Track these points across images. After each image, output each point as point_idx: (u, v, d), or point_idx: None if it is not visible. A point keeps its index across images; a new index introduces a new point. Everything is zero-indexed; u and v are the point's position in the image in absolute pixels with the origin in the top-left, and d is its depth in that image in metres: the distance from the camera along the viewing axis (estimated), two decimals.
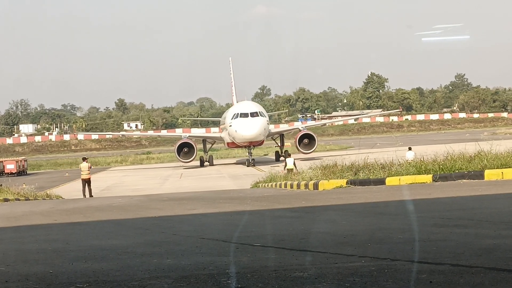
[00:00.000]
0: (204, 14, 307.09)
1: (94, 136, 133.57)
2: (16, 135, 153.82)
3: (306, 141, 57.11)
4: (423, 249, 8.97)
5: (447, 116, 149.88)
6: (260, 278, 7.73)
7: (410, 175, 20.67)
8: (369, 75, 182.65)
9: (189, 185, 38.06)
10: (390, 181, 20.65)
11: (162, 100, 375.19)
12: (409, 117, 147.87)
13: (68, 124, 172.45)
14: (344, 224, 12.51)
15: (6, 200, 27.32)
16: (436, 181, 19.66)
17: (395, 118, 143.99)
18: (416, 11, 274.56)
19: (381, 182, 20.82)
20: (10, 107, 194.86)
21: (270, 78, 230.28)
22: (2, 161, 66.08)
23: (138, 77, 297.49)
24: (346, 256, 8.86)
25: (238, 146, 58.88)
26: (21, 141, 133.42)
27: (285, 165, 35.97)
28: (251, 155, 55.34)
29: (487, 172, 19.23)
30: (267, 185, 28.91)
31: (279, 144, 62.75)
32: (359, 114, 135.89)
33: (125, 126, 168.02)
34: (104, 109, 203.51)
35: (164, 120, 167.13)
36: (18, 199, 28.34)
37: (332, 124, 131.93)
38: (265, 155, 73.75)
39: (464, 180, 19.17)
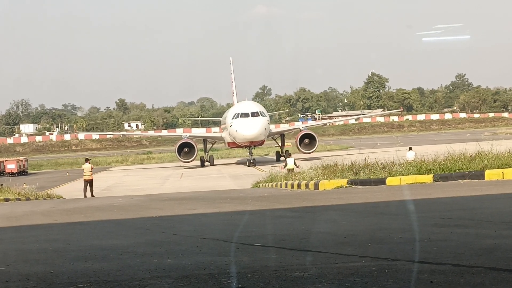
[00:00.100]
0: (204, 14, 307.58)
1: (95, 136, 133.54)
2: (16, 135, 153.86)
3: (306, 141, 57.10)
4: (424, 249, 8.97)
5: (448, 116, 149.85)
6: (261, 278, 7.73)
7: (410, 175, 20.67)
8: (370, 75, 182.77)
9: (189, 185, 38.05)
10: (390, 181, 20.65)
11: (163, 100, 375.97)
12: (409, 117, 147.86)
13: (68, 124, 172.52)
14: (344, 224, 12.51)
15: (6, 200, 27.32)
16: (436, 181, 19.65)
17: (395, 118, 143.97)
18: (417, 11, 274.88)
19: (382, 182, 20.82)
20: (11, 107, 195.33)
21: (271, 78, 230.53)
22: (3, 161, 66.08)
23: (138, 77, 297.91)
24: (347, 256, 8.86)
25: (238, 146, 58.87)
26: (22, 141, 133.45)
27: (285, 165, 36.02)
28: (251, 155, 55.32)
29: (487, 172, 19.23)
30: (268, 185, 28.91)
31: (280, 144, 62.71)
32: (360, 114, 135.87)
33: (126, 126, 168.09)
34: (105, 109, 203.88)
35: (165, 120, 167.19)
36: (19, 199, 28.34)
37: (332, 124, 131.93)
38: (265, 155, 73.75)
39: (465, 180, 19.17)
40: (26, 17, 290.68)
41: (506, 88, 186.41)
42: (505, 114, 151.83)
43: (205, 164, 60.45)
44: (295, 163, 35.43)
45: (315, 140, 57.37)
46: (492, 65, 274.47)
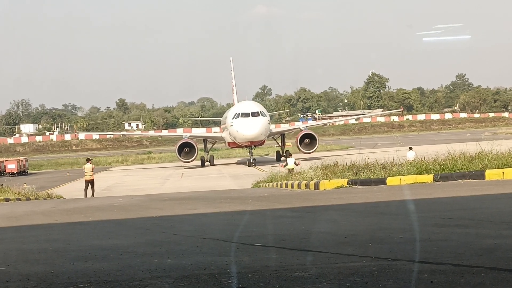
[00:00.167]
0: (204, 14, 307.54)
1: (95, 136, 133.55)
2: (17, 135, 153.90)
3: (307, 141, 57.10)
4: (424, 249, 8.97)
5: (448, 116, 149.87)
6: (261, 278, 7.73)
7: (411, 175, 20.67)
8: (370, 75, 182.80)
9: (189, 185, 38.06)
10: (391, 181, 20.65)
11: (163, 100, 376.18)
12: (410, 117, 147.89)
13: (69, 124, 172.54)
14: (345, 224, 12.51)
15: (7, 200, 27.32)
16: (437, 181, 19.65)
17: (396, 118, 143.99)
18: (417, 11, 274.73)
19: (382, 182, 20.82)
20: (11, 107, 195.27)
21: (271, 78, 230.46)
22: (3, 161, 66.10)
23: (139, 77, 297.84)
24: (347, 256, 8.86)
25: (239, 146, 58.87)
26: (22, 141, 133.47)
27: (286, 164, 36.09)
28: (252, 155, 55.32)
29: (488, 172, 19.23)
30: (268, 185, 28.91)
31: (280, 144, 62.71)
32: (360, 114, 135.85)
33: (126, 126, 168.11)
34: (105, 109, 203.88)
35: (165, 120, 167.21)
36: (19, 199, 28.34)
37: (333, 124, 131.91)
38: (266, 155, 73.76)
39: (465, 180, 19.17)
40: (26, 17, 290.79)
41: (506, 88, 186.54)
42: (505, 114, 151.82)
43: (205, 164, 60.45)
44: (295, 162, 35.52)
45: (316, 140, 57.37)
46: (492, 65, 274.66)
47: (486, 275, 7.28)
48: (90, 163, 34.04)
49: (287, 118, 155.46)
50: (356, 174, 22.61)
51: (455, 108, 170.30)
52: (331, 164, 25.97)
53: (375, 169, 22.45)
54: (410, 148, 34.52)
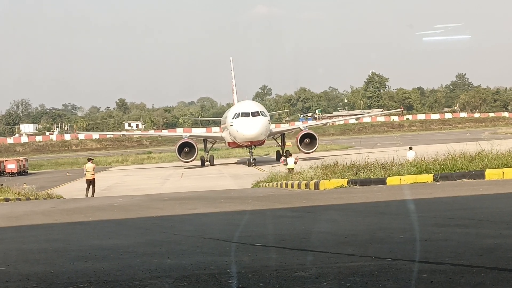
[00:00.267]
0: (204, 14, 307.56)
1: (95, 136, 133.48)
2: (17, 134, 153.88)
3: (307, 140, 57.10)
4: (424, 249, 8.97)
5: (448, 115, 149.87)
6: (261, 277, 7.73)
7: (411, 174, 20.67)
8: (370, 74, 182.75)
9: (190, 185, 38.06)
10: (391, 180, 20.65)
11: (163, 99, 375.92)
12: (410, 116, 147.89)
13: (69, 124, 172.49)
14: (345, 224, 12.52)
15: (7, 199, 27.32)
16: (437, 181, 19.65)
17: (396, 118, 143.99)
18: (417, 11, 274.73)
19: (382, 181, 20.82)
20: (11, 106, 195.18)
21: (271, 77, 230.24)
22: (3, 161, 66.09)
23: (138, 77, 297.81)
24: (347, 256, 8.86)
25: (239, 146, 58.86)
26: (22, 141, 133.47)
27: (286, 163, 36.20)
28: (252, 155, 55.34)
29: (488, 172, 19.23)
30: (268, 185, 28.91)
31: (280, 144, 62.71)
32: (360, 114, 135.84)
33: (126, 126, 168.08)
34: (105, 109, 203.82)
35: (165, 119, 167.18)
36: (19, 199, 28.34)
37: (333, 123, 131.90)
38: (266, 154, 73.76)
39: (465, 180, 19.17)
40: (26, 17, 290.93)
41: (506, 88, 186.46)
42: (505, 114, 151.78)
43: (205, 164, 60.44)
44: (294, 161, 35.63)
45: (316, 139, 57.37)
46: (492, 64, 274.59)
47: (486, 274, 7.28)
48: (91, 163, 34.17)
49: (287, 118, 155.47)
50: (356, 174, 22.61)
51: (455, 108, 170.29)
52: (331, 164, 25.97)
53: (375, 169, 22.45)
54: (410, 148, 34.54)
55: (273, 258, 9.11)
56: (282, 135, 64.00)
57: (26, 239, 13.02)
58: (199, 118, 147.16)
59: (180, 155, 57.93)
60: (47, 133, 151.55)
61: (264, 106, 66.98)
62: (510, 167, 19.29)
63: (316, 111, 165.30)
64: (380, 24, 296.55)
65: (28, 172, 67.20)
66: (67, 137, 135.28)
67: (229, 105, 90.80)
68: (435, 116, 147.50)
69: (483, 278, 7.12)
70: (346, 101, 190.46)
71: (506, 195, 15.63)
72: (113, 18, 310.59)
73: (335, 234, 11.17)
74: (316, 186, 22.24)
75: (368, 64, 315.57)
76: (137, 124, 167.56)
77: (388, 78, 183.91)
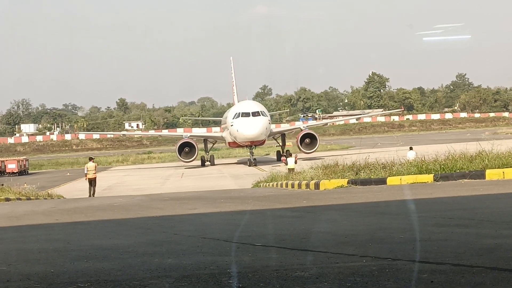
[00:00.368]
0: (204, 14, 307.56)
1: (95, 135, 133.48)
2: (17, 134, 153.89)
3: (307, 140, 57.07)
4: (424, 249, 8.97)
5: (448, 115, 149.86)
6: (261, 277, 7.74)
7: (411, 174, 20.67)
8: (370, 74, 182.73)
9: (190, 185, 38.05)
10: (391, 180, 20.64)
11: (163, 99, 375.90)
12: (410, 116, 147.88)
13: (69, 124, 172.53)
14: (345, 224, 12.52)
15: (7, 199, 27.34)
16: (437, 181, 19.65)
17: (396, 118, 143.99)
18: (417, 10, 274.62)
19: (382, 181, 20.82)
20: (12, 106, 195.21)
21: (271, 77, 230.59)
22: (3, 161, 66.09)
23: (139, 77, 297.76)
24: (347, 256, 8.86)
25: (239, 146, 58.83)
26: (23, 141, 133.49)
27: (287, 163, 36.24)
28: (252, 155, 55.32)
29: (488, 172, 19.22)
30: (268, 185, 28.91)
31: (281, 144, 62.69)
32: (360, 114, 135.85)
33: (126, 125, 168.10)
34: (105, 108, 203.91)
35: (165, 119, 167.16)
36: (20, 199, 28.35)
37: (333, 123, 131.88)
38: (266, 154, 73.74)
39: (465, 180, 19.17)
40: (26, 17, 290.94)
41: (506, 88, 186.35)
42: (506, 114, 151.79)
43: (205, 164, 60.42)
44: (295, 160, 35.68)
45: (316, 139, 57.33)
46: (493, 65, 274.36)
47: (486, 275, 7.28)
48: (93, 162, 34.34)
49: (287, 118, 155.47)
50: (357, 174, 22.60)
51: (456, 108, 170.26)
52: (331, 164, 25.97)
53: (375, 169, 22.45)
54: (411, 148, 34.53)
55: (273, 258, 9.11)
56: (283, 135, 63.99)
57: (27, 239, 13.03)
58: (200, 118, 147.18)
59: (180, 155, 57.91)
60: (47, 133, 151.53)
61: (265, 106, 66.96)
62: (511, 167, 19.29)
63: (317, 111, 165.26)
64: (380, 24, 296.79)
65: (29, 172, 67.20)
66: (68, 137, 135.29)
67: (230, 105, 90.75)
68: (436, 116, 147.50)
69: (483, 278, 7.13)
70: (346, 101, 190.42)
71: (506, 195, 15.63)
72: (113, 18, 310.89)
73: (335, 234, 11.17)
74: (317, 186, 22.25)
75: (369, 64, 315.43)
76: (137, 124, 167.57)
77: (389, 78, 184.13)
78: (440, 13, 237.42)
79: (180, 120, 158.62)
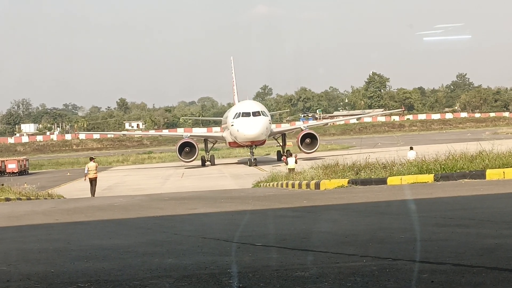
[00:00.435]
0: (205, 14, 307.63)
1: (96, 135, 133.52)
2: (17, 134, 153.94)
3: (308, 140, 57.07)
4: (425, 249, 8.97)
5: (449, 115, 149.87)
6: (262, 277, 7.73)
7: (411, 174, 20.67)
8: (371, 74, 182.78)
9: (190, 185, 38.06)
10: (391, 180, 20.64)
11: (164, 99, 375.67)
12: (410, 116, 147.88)
13: (69, 124, 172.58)
14: (345, 224, 12.51)
15: (7, 199, 27.34)
16: (437, 181, 19.65)
17: (396, 118, 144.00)
18: (417, 10, 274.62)
19: (383, 181, 20.82)
20: (12, 106, 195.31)
21: (272, 77, 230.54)
22: (3, 161, 66.11)
23: (139, 76, 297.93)
24: (348, 256, 8.86)
25: (240, 146, 58.82)
26: (23, 141, 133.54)
27: (286, 163, 36.27)
28: (253, 155, 55.32)
29: (488, 172, 19.22)
30: (269, 185, 28.91)
31: (281, 144, 62.69)
32: (361, 114, 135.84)
33: (127, 125, 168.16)
34: (106, 108, 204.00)
35: (166, 119, 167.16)
36: (20, 199, 28.36)
37: (333, 123, 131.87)
38: (266, 154, 73.74)
39: (466, 180, 19.17)
40: (26, 17, 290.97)
41: (507, 88, 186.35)
42: (506, 114, 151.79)
43: (206, 163, 60.41)
44: (295, 161, 35.70)
45: (317, 139, 57.33)
46: (493, 64, 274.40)
47: (487, 275, 7.27)
48: (94, 162, 34.40)
49: (287, 118, 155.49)
50: (357, 174, 22.61)
51: (456, 108, 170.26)
52: (331, 163, 25.97)
53: (375, 169, 22.45)
54: (411, 148, 34.52)
55: (273, 258, 9.11)
56: (283, 135, 63.98)
57: (27, 239, 13.03)
58: (200, 118, 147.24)
59: (180, 155, 57.91)
60: (47, 133, 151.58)
61: (265, 106, 66.94)
62: (511, 167, 19.29)
63: (317, 111, 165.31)
64: (381, 24, 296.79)
65: (29, 172, 67.24)
66: (68, 137, 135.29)
67: (230, 105, 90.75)
68: (436, 116, 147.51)
69: (484, 278, 7.12)
70: (346, 101, 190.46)
71: (506, 195, 15.63)
72: (113, 18, 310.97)
73: (335, 234, 11.17)
74: (317, 186, 22.24)
75: (369, 64, 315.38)
76: (137, 124, 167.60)
77: (389, 78, 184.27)
78: (440, 13, 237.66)
79: (181, 120, 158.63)
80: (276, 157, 62.13)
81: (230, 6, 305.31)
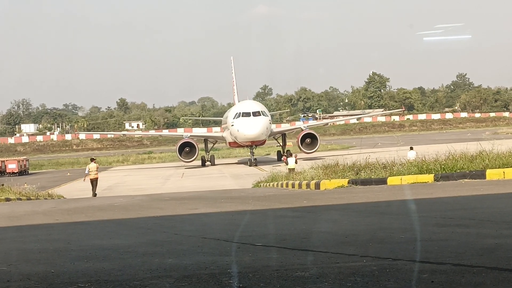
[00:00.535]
0: (205, 14, 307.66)
1: (96, 135, 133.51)
2: (17, 134, 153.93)
3: (308, 140, 57.06)
4: (425, 249, 8.97)
5: (449, 115, 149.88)
6: (262, 277, 7.73)
7: (411, 174, 20.67)
8: (371, 74, 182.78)
9: (190, 185, 38.05)
10: (391, 180, 20.64)
11: (164, 99, 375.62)
12: (410, 116, 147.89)
13: (69, 124, 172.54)
14: (345, 224, 12.51)
15: (8, 199, 27.34)
16: (437, 181, 19.65)
17: (396, 118, 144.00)
18: (417, 10, 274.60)
19: (383, 181, 20.82)
20: (12, 106, 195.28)
21: (272, 77, 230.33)
22: (4, 161, 66.11)
23: (139, 76, 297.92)
24: (348, 256, 8.86)
25: (240, 146, 58.81)
26: (23, 141, 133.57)
27: (287, 163, 36.30)
28: (253, 155, 55.31)
29: (488, 172, 19.22)
30: (269, 185, 28.91)
31: (281, 144, 62.68)
32: (361, 114, 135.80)
33: (127, 125, 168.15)
34: (106, 108, 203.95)
35: (166, 119, 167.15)
36: (20, 199, 28.36)
37: (333, 123, 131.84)
38: (267, 154, 73.73)
39: (466, 180, 19.17)
40: (26, 17, 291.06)
41: (507, 88, 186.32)
42: (506, 114, 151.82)
43: (206, 164, 60.39)
44: (295, 161, 35.73)
45: (317, 139, 57.32)
46: (493, 64, 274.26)
47: (487, 275, 7.28)
48: (94, 162, 34.49)
49: (287, 118, 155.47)
50: (357, 174, 22.61)
51: (456, 108, 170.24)
52: (331, 163, 25.97)
53: (376, 169, 22.45)
54: (411, 148, 34.52)
55: (273, 258, 9.11)
56: (283, 135, 63.97)
57: (27, 239, 13.03)
58: (200, 118, 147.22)
59: (180, 155, 57.90)
60: (48, 133, 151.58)
61: (265, 106, 66.93)
62: (511, 167, 19.29)
63: (317, 111, 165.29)
64: (381, 24, 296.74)
65: (29, 172, 67.24)
66: (68, 137, 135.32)
67: (230, 105, 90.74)
68: (436, 116, 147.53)
69: (484, 278, 7.12)
70: (346, 101, 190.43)
71: (507, 195, 15.63)
72: (113, 18, 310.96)
73: (335, 234, 11.17)
74: (317, 186, 22.25)
75: (369, 64, 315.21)
76: (137, 124, 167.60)
77: (389, 78, 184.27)
78: (440, 13, 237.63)
79: (181, 120, 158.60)
80: (276, 157, 62.12)
81: (230, 6, 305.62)
